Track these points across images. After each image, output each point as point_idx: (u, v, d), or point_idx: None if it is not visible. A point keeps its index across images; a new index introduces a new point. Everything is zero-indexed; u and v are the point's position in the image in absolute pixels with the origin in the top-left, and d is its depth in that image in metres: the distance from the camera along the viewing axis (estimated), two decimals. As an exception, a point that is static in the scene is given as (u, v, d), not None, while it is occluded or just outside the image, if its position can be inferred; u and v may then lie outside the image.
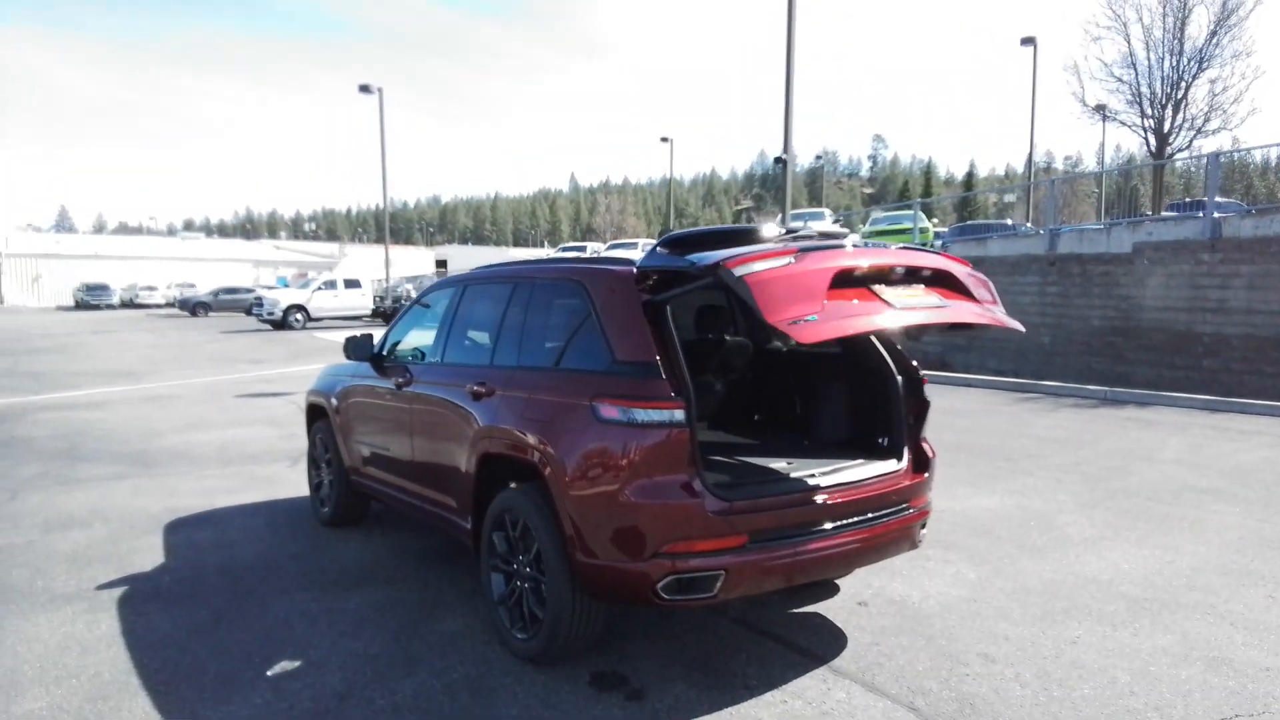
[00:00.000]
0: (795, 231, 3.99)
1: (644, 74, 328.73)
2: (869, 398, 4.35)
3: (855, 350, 4.41)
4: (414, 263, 62.42)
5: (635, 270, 3.77)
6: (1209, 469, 7.81)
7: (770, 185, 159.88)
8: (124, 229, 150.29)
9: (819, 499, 3.67)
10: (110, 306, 51.39)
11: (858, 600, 4.63)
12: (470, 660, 3.94)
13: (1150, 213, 24.66)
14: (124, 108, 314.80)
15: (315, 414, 6.44)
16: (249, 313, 32.61)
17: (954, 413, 11.43)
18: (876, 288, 3.40)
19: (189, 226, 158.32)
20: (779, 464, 4.03)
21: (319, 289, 30.84)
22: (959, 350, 18.78)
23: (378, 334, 5.81)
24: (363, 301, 31.20)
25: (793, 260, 3.25)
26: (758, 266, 3.18)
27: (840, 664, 3.87)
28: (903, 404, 4.18)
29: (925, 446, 4.21)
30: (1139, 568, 5.13)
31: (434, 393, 4.72)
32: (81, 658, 4.00)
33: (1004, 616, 4.40)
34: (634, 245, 34.66)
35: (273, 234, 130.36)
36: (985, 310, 3.66)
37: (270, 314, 29.41)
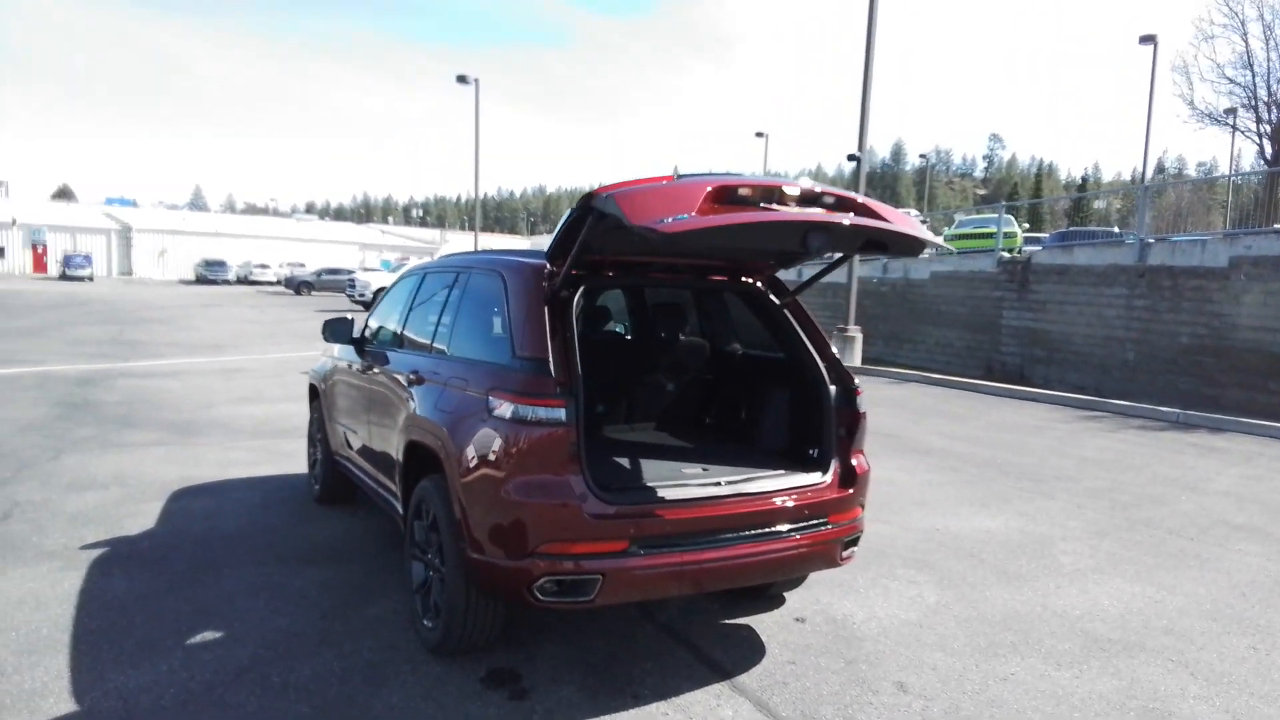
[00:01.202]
0: None
1: (754, 69, 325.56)
2: (805, 408, 4.17)
3: (795, 358, 4.23)
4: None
5: (545, 264, 3.73)
6: (1255, 504, 7.18)
7: (875, 184, 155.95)
8: (251, 209, 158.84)
9: (716, 508, 3.55)
10: (226, 282, 54.38)
11: (796, 616, 4.46)
12: (381, 646, 3.98)
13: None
14: (258, 95, 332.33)
15: (313, 394, 6.65)
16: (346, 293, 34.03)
17: (1002, 428, 10.90)
18: (765, 204, 3.17)
19: (309, 209, 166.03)
20: (693, 469, 3.92)
21: (407, 273, 31.72)
22: (1038, 363, 17.89)
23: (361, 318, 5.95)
24: (448, 286, 31.94)
25: (668, 183, 3.11)
26: (630, 189, 3.05)
27: (744, 680, 3.74)
28: (833, 415, 3.98)
29: (857, 461, 4.00)
30: (1120, 605, 4.76)
31: (385, 378, 4.79)
32: (32, 612, 4.24)
33: (944, 645, 4.16)
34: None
35: (384, 219, 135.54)
36: (893, 224, 3.34)
37: (361, 295, 30.57)
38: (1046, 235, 27.58)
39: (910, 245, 3.57)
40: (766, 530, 3.63)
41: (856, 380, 4.11)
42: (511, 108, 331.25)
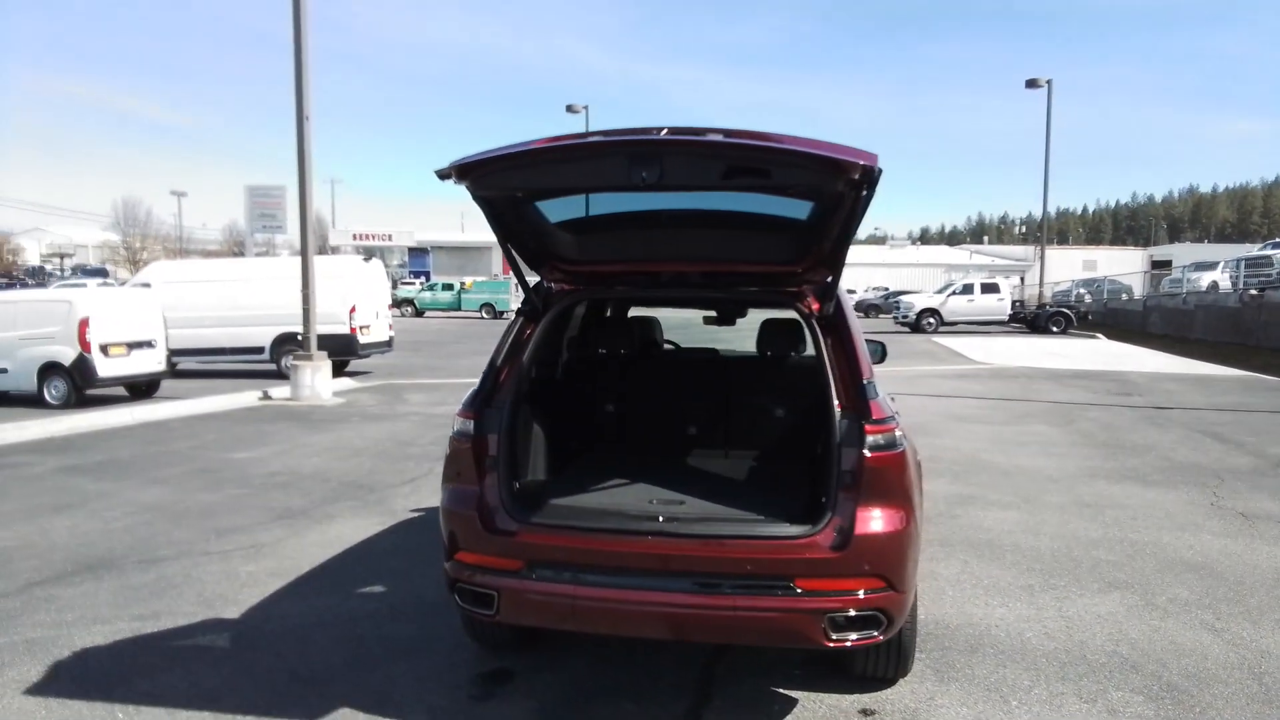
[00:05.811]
0: None
1: None
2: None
3: (821, 384, 3.37)
4: (1119, 264, 56.06)
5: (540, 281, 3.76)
6: None
7: None
8: (871, 239, 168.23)
9: (630, 544, 3.16)
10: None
11: (866, 708, 3.56)
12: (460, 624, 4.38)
13: None
14: (885, 130, 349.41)
15: None
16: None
17: None
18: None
19: (924, 235, 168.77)
20: (673, 501, 3.48)
21: (954, 293, 30.72)
22: None
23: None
24: (998, 306, 30.07)
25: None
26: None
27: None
28: (835, 456, 3.12)
29: (865, 517, 3.05)
30: None
31: None
32: (318, 551, 5.64)
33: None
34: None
35: (997, 239, 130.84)
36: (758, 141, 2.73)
37: (905, 317, 30.53)
38: None
39: (803, 170, 2.75)
40: (692, 581, 3.08)
41: (884, 413, 3.14)
42: (1157, 102, 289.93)
